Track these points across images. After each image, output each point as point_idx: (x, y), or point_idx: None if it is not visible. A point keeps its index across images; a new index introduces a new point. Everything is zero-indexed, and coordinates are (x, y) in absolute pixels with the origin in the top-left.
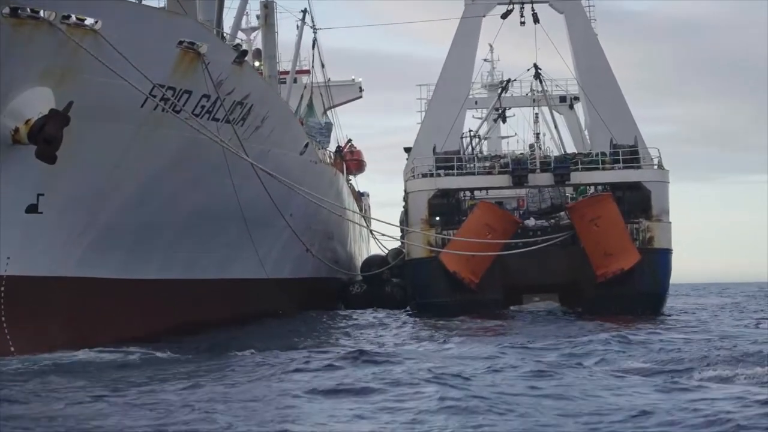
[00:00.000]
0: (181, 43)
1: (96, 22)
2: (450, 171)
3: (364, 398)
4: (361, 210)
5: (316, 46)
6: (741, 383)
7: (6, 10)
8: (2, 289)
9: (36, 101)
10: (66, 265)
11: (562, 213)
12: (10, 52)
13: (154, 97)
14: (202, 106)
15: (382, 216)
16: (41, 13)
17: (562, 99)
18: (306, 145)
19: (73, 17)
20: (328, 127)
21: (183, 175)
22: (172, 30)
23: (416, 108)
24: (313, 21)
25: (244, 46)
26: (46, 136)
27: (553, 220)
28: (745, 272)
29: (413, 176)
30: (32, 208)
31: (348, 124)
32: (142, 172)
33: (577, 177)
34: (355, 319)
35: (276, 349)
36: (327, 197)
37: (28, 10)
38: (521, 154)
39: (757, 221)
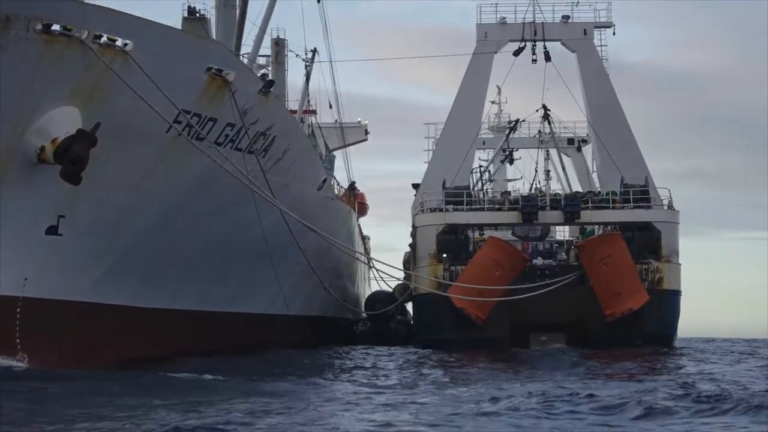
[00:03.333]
0: (209, 69)
1: (127, 43)
2: (459, 206)
3: None
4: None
5: (333, 78)
6: None
7: (39, 26)
8: (18, 310)
9: (63, 120)
10: (81, 290)
11: (565, 255)
12: (40, 69)
13: (179, 123)
14: (226, 135)
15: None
16: (73, 32)
17: (570, 141)
18: (324, 181)
19: (105, 37)
20: (330, 160)
21: (204, 203)
22: (202, 55)
23: (416, 154)
24: (329, 54)
25: None
26: (72, 156)
27: (561, 261)
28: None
29: (422, 211)
30: (52, 230)
31: (340, 166)
32: (164, 197)
33: (587, 216)
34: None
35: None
36: (341, 234)
37: (60, 27)
38: (536, 189)
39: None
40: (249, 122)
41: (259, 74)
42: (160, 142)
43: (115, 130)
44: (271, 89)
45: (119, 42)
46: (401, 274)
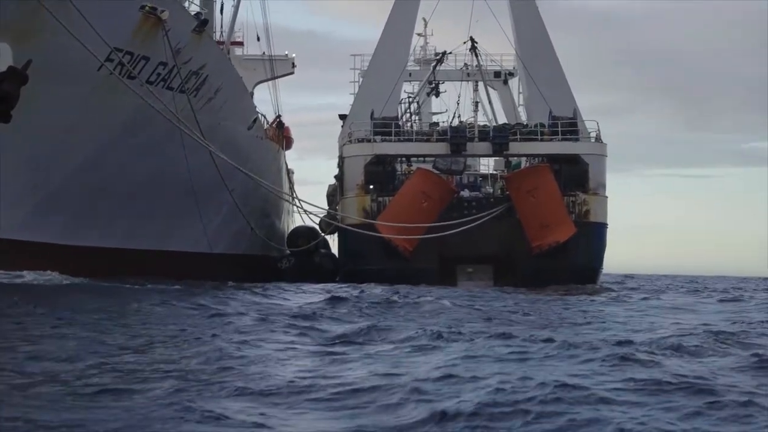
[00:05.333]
0: (143, 7)
1: None
2: (387, 137)
3: None
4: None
5: (263, 10)
6: None
7: None
8: None
9: None
10: (8, 227)
11: (491, 190)
12: None
13: (111, 61)
14: (158, 74)
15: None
16: None
17: (497, 74)
18: (254, 120)
19: None
20: None
21: (134, 142)
22: None
23: (338, 87)
24: None
25: None
26: (2, 94)
27: (487, 194)
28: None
29: (350, 141)
30: None
31: (265, 99)
32: (94, 135)
33: (516, 147)
34: None
35: None
36: (269, 174)
37: None
38: (460, 122)
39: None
40: (181, 61)
41: (193, 13)
42: (92, 80)
43: (47, 68)
44: (205, 28)
45: None
46: (325, 208)
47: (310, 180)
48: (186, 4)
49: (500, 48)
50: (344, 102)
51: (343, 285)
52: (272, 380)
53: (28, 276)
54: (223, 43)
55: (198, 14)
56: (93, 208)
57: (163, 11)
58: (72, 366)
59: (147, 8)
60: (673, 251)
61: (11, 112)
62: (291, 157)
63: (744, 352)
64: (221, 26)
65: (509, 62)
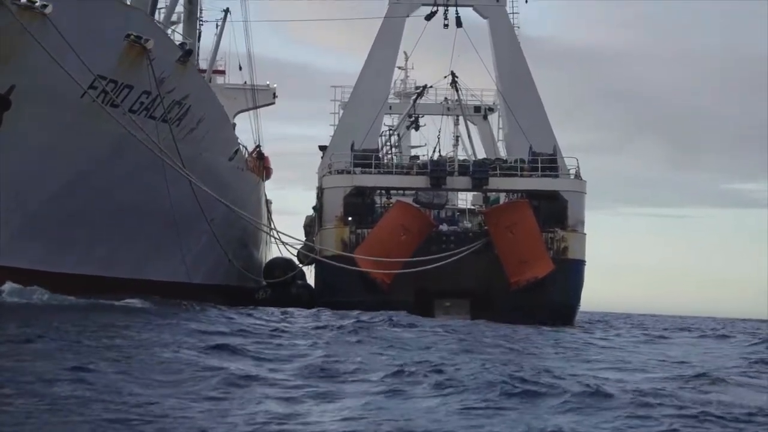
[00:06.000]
0: (128, 36)
1: (46, 5)
2: (367, 169)
3: None
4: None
5: (246, 39)
6: None
7: None
8: None
9: None
10: None
11: (469, 225)
12: None
13: (95, 88)
14: (141, 102)
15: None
16: None
17: (477, 109)
18: (236, 152)
19: None
20: None
21: (115, 169)
22: (122, 22)
23: (316, 117)
24: (244, 13)
25: None
26: None
27: (465, 229)
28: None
29: (330, 172)
30: None
31: (245, 129)
32: (75, 162)
33: (496, 183)
34: None
35: None
36: (249, 205)
37: None
38: (440, 156)
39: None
40: (165, 91)
41: (177, 42)
42: (75, 106)
43: (30, 93)
44: (189, 58)
45: (38, 3)
46: (303, 239)
47: (288, 210)
48: (169, 32)
49: (481, 83)
50: (323, 133)
51: (323, 309)
52: (238, 417)
53: (9, 298)
54: (204, 71)
55: (182, 44)
56: (71, 234)
57: (148, 40)
58: (43, 383)
59: (132, 37)
60: (648, 291)
61: None
62: (269, 187)
63: None
64: (198, 54)
65: (489, 97)
